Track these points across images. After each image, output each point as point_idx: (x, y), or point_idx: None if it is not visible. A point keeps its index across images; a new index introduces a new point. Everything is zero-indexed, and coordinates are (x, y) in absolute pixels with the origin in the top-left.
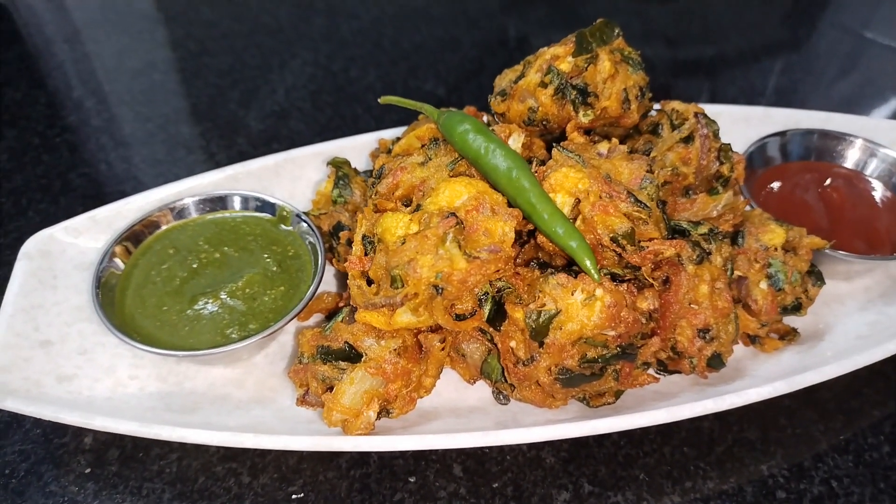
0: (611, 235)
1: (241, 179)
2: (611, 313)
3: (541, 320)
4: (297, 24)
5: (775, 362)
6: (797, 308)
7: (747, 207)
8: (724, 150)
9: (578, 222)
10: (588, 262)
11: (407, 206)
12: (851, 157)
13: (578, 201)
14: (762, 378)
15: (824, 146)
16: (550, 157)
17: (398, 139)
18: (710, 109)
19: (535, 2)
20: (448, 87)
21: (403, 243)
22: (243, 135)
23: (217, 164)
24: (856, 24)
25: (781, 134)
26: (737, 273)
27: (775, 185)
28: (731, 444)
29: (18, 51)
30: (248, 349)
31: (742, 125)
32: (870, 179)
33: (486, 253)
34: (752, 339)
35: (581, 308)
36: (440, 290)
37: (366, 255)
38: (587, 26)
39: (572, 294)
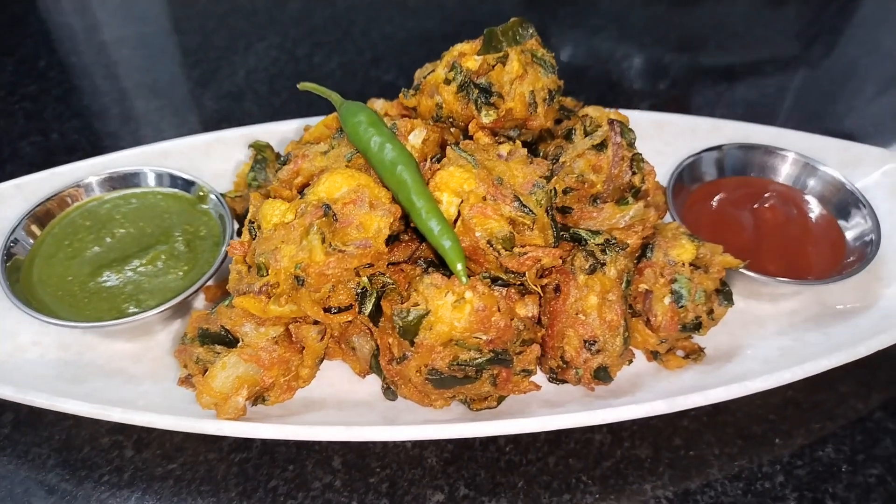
0: (487, 239)
1: (171, 156)
2: (480, 317)
3: (409, 319)
4: (271, 7)
5: (675, 380)
6: (697, 327)
7: (668, 220)
8: (638, 160)
9: (459, 224)
10: (458, 265)
11: (303, 193)
12: (791, 176)
13: (463, 202)
14: (654, 395)
15: (764, 162)
16: (451, 144)
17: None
18: (654, 117)
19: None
20: (408, 80)
21: (274, 231)
22: (196, 113)
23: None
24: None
25: (718, 148)
26: (643, 286)
27: (709, 199)
28: (619, 459)
29: None
30: (147, 325)
31: (689, 136)
32: (808, 199)
33: (354, 248)
34: (654, 355)
35: (451, 310)
36: (301, 281)
37: (252, 238)
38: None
39: (444, 295)
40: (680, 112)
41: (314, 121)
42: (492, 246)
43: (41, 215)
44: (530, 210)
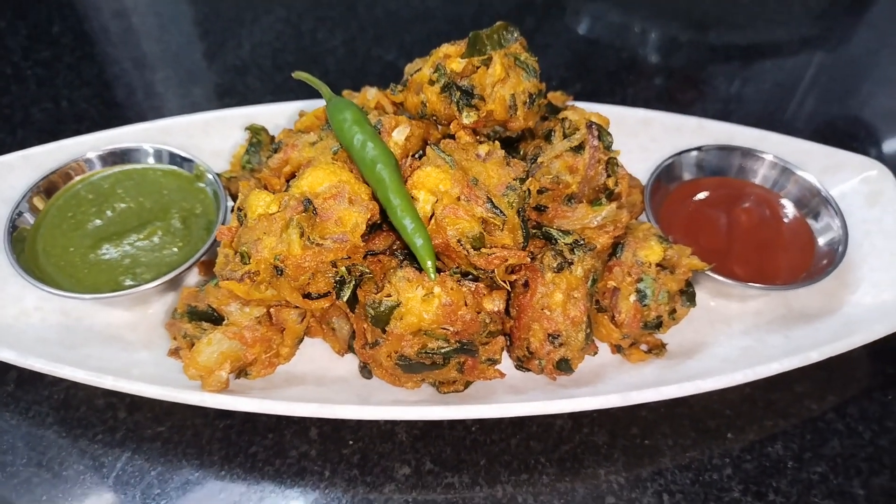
0: (458, 238)
1: (171, 132)
2: (447, 311)
3: (381, 309)
4: None
5: (635, 373)
6: (658, 325)
7: (644, 219)
8: (613, 163)
9: (433, 222)
10: (428, 263)
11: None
12: (769, 178)
13: (438, 201)
14: (612, 387)
15: (742, 164)
16: (431, 144)
17: (317, 116)
18: (641, 114)
19: None
20: (408, 60)
21: (258, 221)
22: (200, 86)
23: (168, 113)
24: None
25: (699, 149)
26: (611, 283)
27: (686, 199)
28: (577, 444)
29: None
30: (144, 297)
31: (674, 134)
32: (784, 203)
33: (331, 242)
34: (617, 348)
35: (420, 303)
36: (280, 271)
37: (240, 225)
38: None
39: (415, 289)
40: (692, 89)
41: (311, 104)
42: (462, 245)
43: (46, 188)
44: (501, 211)
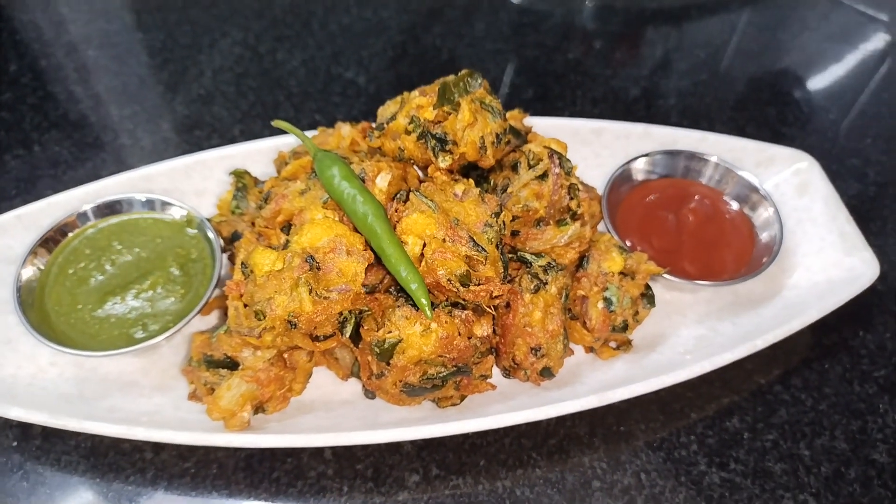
0: (448, 277)
1: (154, 179)
2: (444, 343)
3: (385, 346)
4: None
5: (607, 369)
6: (624, 328)
7: (602, 229)
8: (574, 187)
9: (423, 263)
10: (423, 301)
11: (285, 229)
12: (711, 178)
13: (426, 244)
14: (590, 386)
15: (688, 166)
16: (413, 190)
17: (294, 152)
18: (592, 125)
19: None
20: (368, 76)
21: (267, 280)
22: (168, 120)
23: (142, 150)
24: None
25: (647, 155)
26: (580, 292)
27: (638, 203)
28: (562, 437)
29: None
30: (155, 345)
31: (623, 141)
32: (727, 201)
33: (336, 293)
34: (590, 349)
35: (419, 338)
36: (294, 325)
37: (245, 279)
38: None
39: (413, 325)
40: (630, 45)
41: (285, 143)
42: (451, 283)
43: (44, 245)
44: (482, 248)
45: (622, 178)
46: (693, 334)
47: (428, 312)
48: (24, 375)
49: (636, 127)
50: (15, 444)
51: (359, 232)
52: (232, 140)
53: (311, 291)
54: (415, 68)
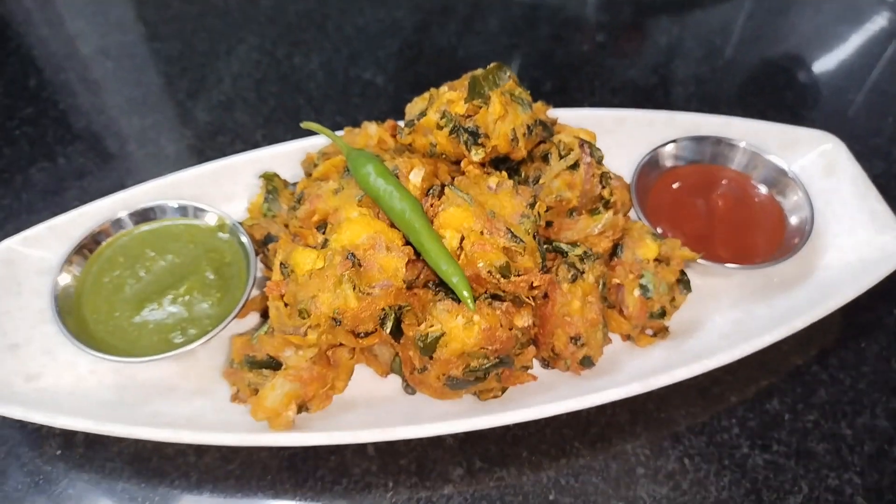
0: (488, 269)
1: (182, 186)
2: (486, 335)
3: (428, 340)
4: (244, 5)
5: (646, 357)
6: (662, 314)
7: (633, 216)
8: (606, 176)
9: (462, 256)
10: (465, 293)
11: (321, 229)
12: (739, 163)
13: (464, 237)
14: (629, 374)
15: (716, 152)
16: (453, 182)
17: (323, 153)
18: (615, 114)
19: None
20: (387, 76)
21: (310, 278)
22: (191, 127)
23: (167, 159)
24: None
25: (675, 141)
26: (615, 280)
27: (667, 190)
28: (603, 425)
29: None
30: (193, 351)
31: (646, 129)
32: (755, 184)
33: (379, 289)
34: (627, 336)
35: (462, 330)
36: (338, 322)
37: (284, 279)
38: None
39: (455, 318)
40: (635, 39)
41: (311, 145)
42: (492, 275)
43: (78, 255)
44: (520, 239)
45: (650, 166)
46: (729, 318)
47: (470, 304)
48: (64, 384)
49: (659, 114)
50: (59, 452)
51: (396, 228)
52: (255, 145)
53: (354, 288)
54: (432, 67)
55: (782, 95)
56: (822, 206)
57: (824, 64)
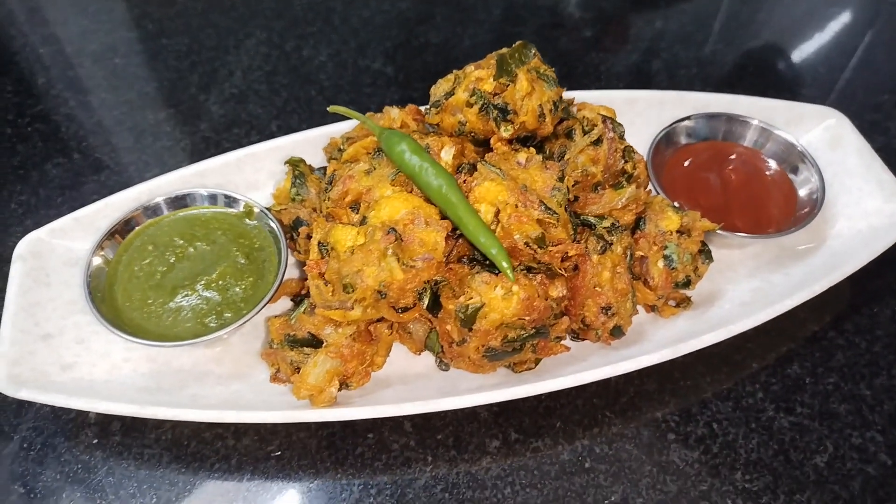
0: (524, 241)
1: (206, 175)
2: (525, 304)
3: (468, 311)
4: (248, 0)
5: (671, 326)
6: (687, 284)
7: (651, 191)
8: (629, 150)
9: (498, 229)
10: (504, 264)
11: (354, 209)
12: (750, 139)
13: (499, 210)
14: (656, 343)
15: (727, 129)
16: (480, 160)
17: (347, 138)
18: (626, 95)
19: None
20: (396, 66)
21: (352, 254)
22: (205, 120)
23: (183, 151)
24: None
25: (688, 118)
26: (639, 253)
27: (681, 164)
28: (632, 395)
29: None
30: (222, 335)
31: (657, 108)
32: (766, 159)
33: (421, 262)
34: (651, 307)
35: (501, 301)
36: (384, 295)
37: (322, 258)
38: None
39: (494, 289)
40: (621, 37)
41: (334, 131)
42: (528, 246)
43: (106, 245)
44: (554, 211)
45: (665, 142)
46: (748, 287)
47: (510, 275)
48: (99, 373)
49: (669, 94)
50: (96, 441)
51: (432, 203)
52: (271, 135)
53: (398, 260)
54: (440, 56)
55: (782, 76)
56: (829, 177)
57: (821, 44)
